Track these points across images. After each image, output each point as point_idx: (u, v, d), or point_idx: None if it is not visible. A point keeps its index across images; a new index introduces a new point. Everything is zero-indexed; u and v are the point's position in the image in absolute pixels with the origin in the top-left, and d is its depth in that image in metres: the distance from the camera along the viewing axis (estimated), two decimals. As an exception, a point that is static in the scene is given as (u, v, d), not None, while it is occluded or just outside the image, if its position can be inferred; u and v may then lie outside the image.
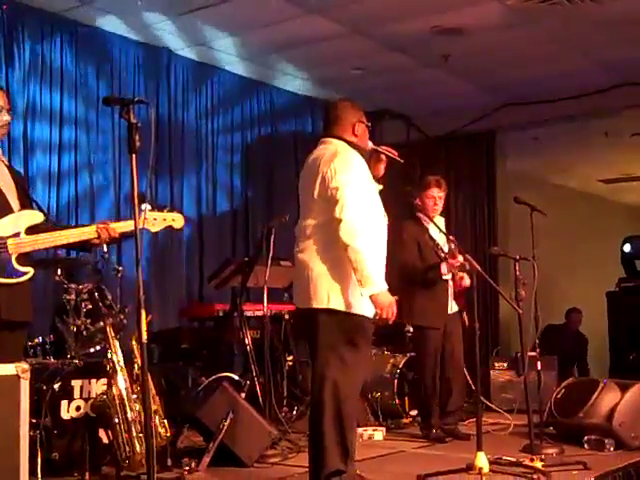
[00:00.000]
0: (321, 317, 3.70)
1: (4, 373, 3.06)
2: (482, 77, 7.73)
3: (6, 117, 3.72)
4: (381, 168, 3.97)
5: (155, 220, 3.82)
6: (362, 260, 3.57)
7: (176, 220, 3.91)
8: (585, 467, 4.45)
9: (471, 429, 5.39)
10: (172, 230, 3.97)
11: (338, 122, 3.88)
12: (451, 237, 5.40)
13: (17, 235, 3.58)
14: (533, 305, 5.12)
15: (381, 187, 3.97)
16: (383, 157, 3.96)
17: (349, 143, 3.83)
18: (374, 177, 3.92)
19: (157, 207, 3.90)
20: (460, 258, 5.33)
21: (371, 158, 3.97)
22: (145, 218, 3.67)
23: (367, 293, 3.60)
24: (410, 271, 5.54)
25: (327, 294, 3.66)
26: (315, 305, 3.70)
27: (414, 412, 6.30)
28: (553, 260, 7.97)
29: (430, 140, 9.01)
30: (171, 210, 3.94)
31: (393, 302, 3.67)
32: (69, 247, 3.99)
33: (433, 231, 5.54)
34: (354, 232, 3.58)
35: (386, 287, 3.66)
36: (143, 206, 3.61)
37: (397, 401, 6.29)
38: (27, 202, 3.78)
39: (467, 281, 5.56)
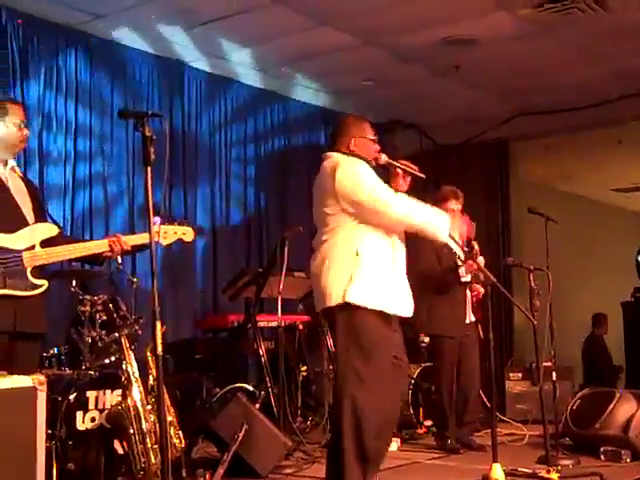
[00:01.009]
0: (331, 314, 3.72)
1: (21, 385, 3.09)
2: (494, 87, 7.73)
3: (25, 132, 3.77)
4: (400, 182, 3.93)
5: (166, 234, 3.86)
6: (416, 222, 3.71)
7: (186, 234, 3.97)
8: (601, 478, 4.42)
9: (486, 440, 5.38)
10: (183, 243, 4.01)
11: (337, 137, 3.94)
12: (474, 241, 5.38)
13: (32, 248, 3.61)
14: (548, 315, 5.10)
15: None
16: (399, 171, 3.95)
17: (348, 154, 3.85)
18: (395, 191, 3.92)
19: (168, 220, 3.94)
20: (480, 259, 5.29)
21: (388, 173, 3.99)
22: (156, 232, 3.74)
23: (444, 235, 3.76)
24: (428, 277, 5.48)
25: (329, 292, 3.67)
26: (321, 305, 3.74)
27: (429, 422, 6.29)
28: (566, 269, 7.94)
29: (442, 150, 9.02)
30: (182, 223, 3.98)
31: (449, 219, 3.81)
32: (82, 260, 4.02)
33: (451, 243, 5.53)
34: (388, 208, 3.64)
35: (441, 219, 3.77)
36: (154, 220, 3.66)
37: (411, 411, 6.28)
38: (42, 214, 3.82)
39: (482, 290, 5.56)
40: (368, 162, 3.87)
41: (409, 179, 3.95)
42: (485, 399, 5.90)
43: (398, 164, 3.94)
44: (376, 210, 3.66)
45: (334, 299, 3.67)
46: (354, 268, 3.65)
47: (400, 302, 3.77)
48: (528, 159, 8.96)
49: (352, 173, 3.72)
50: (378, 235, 3.74)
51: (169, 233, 3.90)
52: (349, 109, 8.13)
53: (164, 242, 3.89)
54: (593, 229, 10.67)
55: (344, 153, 3.85)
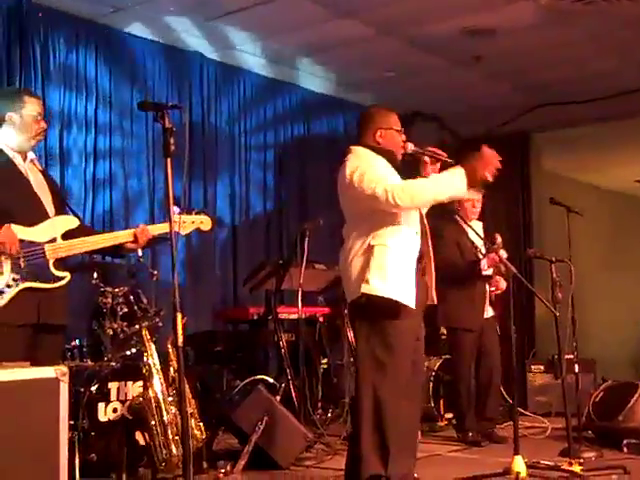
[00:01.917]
0: (355, 304, 3.73)
1: (44, 376, 3.11)
2: (515, 78, 7.67)
3: (43, 124, 3.80)
4: (429, 169, 3.92)
5: (184, 223, 3.87)
6: (430, 197, 3.67)
7: (204, 222, 3.99)
8: (625, 471, 4.39)
9: (507, 432, 5.35)
10: (201, 232, 4.04)
11: (361, 130, 3.94)
12: (497, 234, 5.36)
13: (54, 240, 3.63)
14: (570, 307, 5.07)
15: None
16: (426, 159, 3.93)
17: (372, 148, 3.86)
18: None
19: (186, 210, 3.96)
20: (503, 253, 5.26)
21: (416, 161, 3.98)
22: (175, 221, 3.74)
23: (461, 190, 3.64)
24: (450, 269, 5.39)
25: (359, 284, 3.67)
26: (349, 296, 3.77)
27: (449, 415, 6.27)
28: (589, 261, 7.87)
29: (463, 141, 8.96)
30: (199, 213, 3.99)
31: (476, 167, 3.66)
32: (104, 252, 4.04)
33: (471, 233, 5.51)
34: (395, 194, 3.58)
35: (458, 176, 3.63)
36: (173, 209, 3.68)
37: (432, 404, 6.27)
38: (62, 207, 3.84)
39: (503, 284, 5.53)
40: (394, 154, 3.87)
41: (438, 166, 3.94)
42: (505, 393, 5.89)
43: (425, 151, 3.92)
44: (387, 203, 3.62)
45: (358, 290, 3.67)
46: (376, 260, 3.65)
47: (407, 292, 3.72)
48: (550, 150, 8.89)
49: (361, 170, 3.72)
50: (399, 226, 3.73)
51: (187, 222, 3.92)
52: (368, 100, 8.10)
53: (183, 232, 3.91)
54: (617, 221, 10.57)
55: (369, 146, 3.86)
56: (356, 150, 3.88)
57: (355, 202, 3.76)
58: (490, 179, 3.70)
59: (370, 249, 3.68)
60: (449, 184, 3.67)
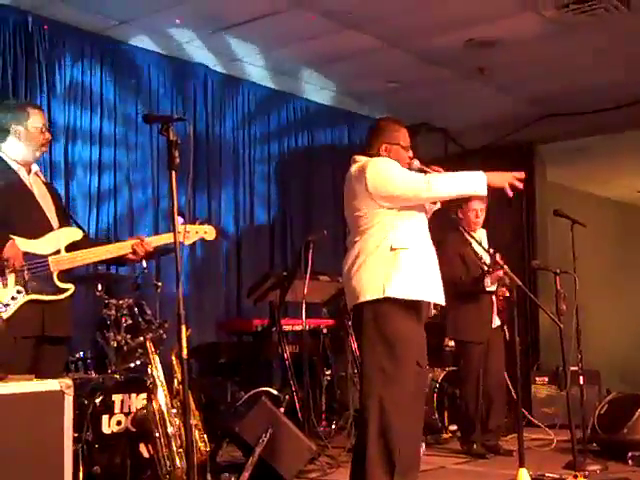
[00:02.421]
0: (360, 311, 3.74)
1: (49, 389, 3.12)
2: (520, 89, 7.68)
3: (47, 135, 3.82)
4: None
5: (188, 233, 3.88)
6: (446, 191, 3.76)
7: (208, 232, 4.01)
8: (630, 484, 4.37)
9: (512, 445, 5.33)
10: (205, 242, 4.06)
11: (369, 142, 3.96)
12: (491, 250, 5.36)
13: (58, 252, 3.65)
14: (574, 319, 5.06)
15: (437, 206, 4.03)
16: None
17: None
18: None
19: (190, 220, 3.98)
20: (501, 273, 5.27)
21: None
22: (178, 232, 3.76)
23: (482, 189, 3.74)
24: (453, 284, 5.42)
25: (361, 289, 3.69)
26: (353, 302, 3.77)
27: (454, 427, 6.25)
28: (593, 272, 7.86)
29: (468, 152, 8.96)
30: (204, 222, 4.01)
31: (499, 175, 3.77)
32: (107, 263, 4.05)
33: (475, 244, 5.50)
34: (416, 188, 3.70)
35: (480, 176, 3.74)
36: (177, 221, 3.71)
37: (437, 416, 6.25)
38: (65, 219, 3.85)
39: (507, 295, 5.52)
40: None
41: None
42: (514, 393, 5.86)
43: (430, 170, 3.93)
44: (409, 198, 3.72)
45: (368, 295, 3.67)
46: (389, 264, 3.66)
47: (434, 291, 3.80)
48: (555, 161, 8.89)
49: (381, 169, 3.76)
50: (412, 229, 3.75)
51: (191, 232, 3.93)
52: (373, 111, 8.12)
53: (186, 242, 3.91)
54: (622, 231, 10.57)
55: (372, 157, 3.86)
56: (365, 159, 3.86)
57: (370, 207, 3.75)
58: (510, 194, 3.77)
59: (382, 254, 3.68)
60: (472, 181, 3.76)
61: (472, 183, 3.76)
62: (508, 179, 3.75)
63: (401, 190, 3.72)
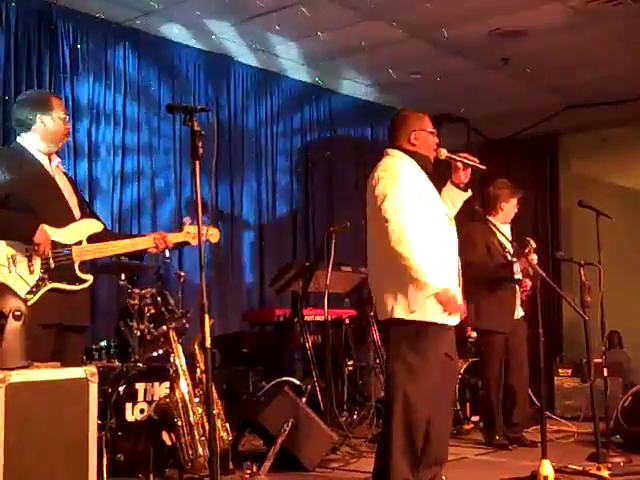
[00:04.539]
0: (389, 328, 3.75)
1: (74, 376, 3.15)
2: (544, 80, 7.61)
3: (69, 126, 3.87)
4: (461, 175, 3.92)
5: (195, 234, 3.92)
6: (409, 265, 3.54)
7: (213, 235, 4.07)
8: (654, 477, 4.35)
9: (535, 436, 5.31)
10: (211, 244, 4.18)
11: (395, 133, 3.92)
12: (530, 239, 5.35)
13: (80, 243, 3.70)
14: (599, 311, 5.02)
15: (469, 194, 3.97)
16: (459, 165, 3.93)
17: (406, 151, 3.84)
18: (457, 185, 3.93)
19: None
20: (534, 256, 5.25)
21: (450, 166, 3.98)
22: (187, 232, 3.92)
23: (424, 295, 3.58)
24: (478, 271, 5.35)
25: (391, 305, 3.67)
26: (382, 317, 3.77)
27: (476, 418, 6.24)
28: (618, 264, 7.79)
29: (491, 143, 8.91)
30: (209, 225, 4.07)
31: (454, 297, 3.62)
32: (127, 255, 4.09)
33: (499, 235, 5.48)
34: (399, 237, 3.55)
35: (441, 286, 3.56)
36: (184, 220, 3.80)
37: (459, 407, 6.24)
38: (85, 211, 3.89)
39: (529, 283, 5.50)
40: (427, 159, 3.85)
41: (469, 171, 3.95)
42: (533, 396, 5.84)
43: (458, 157, 3.91)
44: (385, 232, 3.60)
45: (387, 313, 3.69)
46: (404, 277, 3.61)
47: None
48: (579, 152, 8.82)
49: (390, 174, 3.71)
50: (427, 234, 3.68)
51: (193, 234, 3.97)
52: (396, 103, 8.09)
53: (194, 242, 3.95)
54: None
55: (404, 149, 3.84)
56: (391, 153, 3.86)
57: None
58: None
59: (398, 267, 3.60)
60: (431, 284, 3.55)
61: (428, 285, 3.52)
62: (450, 307, 3.61)
63: (383, 217, 3.61)
